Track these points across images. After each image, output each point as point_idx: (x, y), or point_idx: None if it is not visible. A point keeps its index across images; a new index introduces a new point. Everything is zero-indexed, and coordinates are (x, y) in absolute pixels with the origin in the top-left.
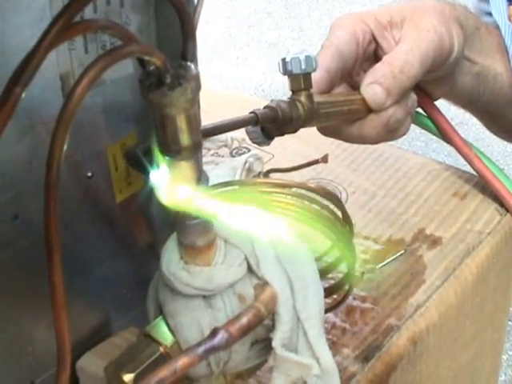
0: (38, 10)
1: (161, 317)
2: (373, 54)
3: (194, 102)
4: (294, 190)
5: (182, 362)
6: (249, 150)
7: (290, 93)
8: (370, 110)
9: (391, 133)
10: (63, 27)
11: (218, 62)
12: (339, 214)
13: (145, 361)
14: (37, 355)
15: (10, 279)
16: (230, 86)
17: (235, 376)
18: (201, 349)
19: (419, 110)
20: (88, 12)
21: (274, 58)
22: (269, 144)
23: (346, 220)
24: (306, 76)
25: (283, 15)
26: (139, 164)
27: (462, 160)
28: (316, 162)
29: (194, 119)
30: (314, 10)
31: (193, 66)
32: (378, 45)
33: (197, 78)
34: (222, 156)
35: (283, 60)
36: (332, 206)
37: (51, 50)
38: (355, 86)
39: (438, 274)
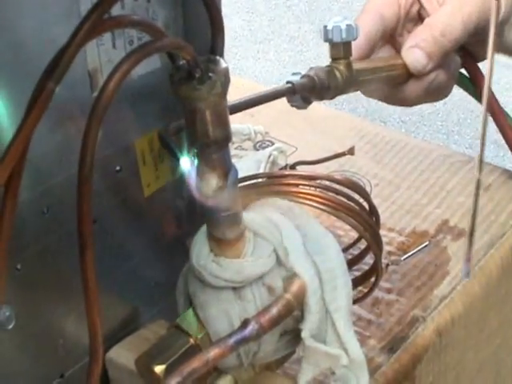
0: (68, 5)
1: (191, 308)
2: (417, 15)
3: (224, 95)
4: (320, 181)
5: (213, 352)
6: (272, 144)
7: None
8: (410, 74)
9: (432, 96)
10: (95, 23)
11: (238, 55)
12: (366, 205)
13: (175, 352)
14: (67, 348)
15: (39, 273)
16: (251, 80)
17: (264, 367)
18: (232, 340)
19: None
20: (115, 8)
21: (294, 52)
22: (306, 108)
23: (373, 211)
24: (347, 44)
25: (303, 8)
26: (170, 147)
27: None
28: (343, 154)
29: (223, 113)
30: (334, 2)
31: (222, 60)
32: (421, 5)
33: (226, 72)
34: (246, 149)
35: (325, 27)
36: (358, 197)
37: (83, 45)
38: (398, 47)
39: (462, 265)
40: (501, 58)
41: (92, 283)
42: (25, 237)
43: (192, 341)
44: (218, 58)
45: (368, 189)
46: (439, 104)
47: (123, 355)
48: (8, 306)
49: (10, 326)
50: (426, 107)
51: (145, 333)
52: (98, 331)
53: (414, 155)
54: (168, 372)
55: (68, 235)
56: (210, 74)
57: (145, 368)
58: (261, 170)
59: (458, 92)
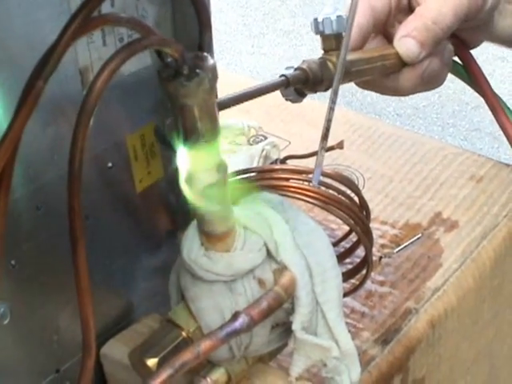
0: (58, 4)
1: (182, 302)
2: (407, 5)
3: (212, 91)
4: (310, 176)
5: (204, 345)
6: (265, 138)
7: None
8: (404, 64)
9: (427, 84)
10: (83, 21)
11: (233, 50)
12: (356, 199)
13: (168, 345)
14: (62, 343)
15: (34, 269)
16: (246, 75)
17: (257, 359)
18: (223, 332)
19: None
20: (105, 5)
21: (289, 46)
22: (301, 101)
23: (363, 205)
24: (338, 36)
25: (297, 2)
26: (167, 142)
27: (478, 144)
28: (331, 148)
29: (211, 108)
30: None
31: (209, 56)
32: None
33: (214, 68)
34: (240, 144)
35: (315, 20)
36: (349, 192)
37: (71, 43)
38: (390, 38)
39: (455, 257)
40: (495, 51)
41: (84, 278)
42: (19, 233)
43: (184, 334)
44: (205, 54)
45: (361, 182)
46: (434, 97)
47: (117, 349)
48: (3, 302)
49: (5, 322)
50: (420, 100)
51: (139, 327)
52: (91, 326)
53: (406, 148)
54: (160, 365)
55: (62, 231)
56: (198, 71)
57: (138, 361)
58: (254, 165)
59: (452, 84)
